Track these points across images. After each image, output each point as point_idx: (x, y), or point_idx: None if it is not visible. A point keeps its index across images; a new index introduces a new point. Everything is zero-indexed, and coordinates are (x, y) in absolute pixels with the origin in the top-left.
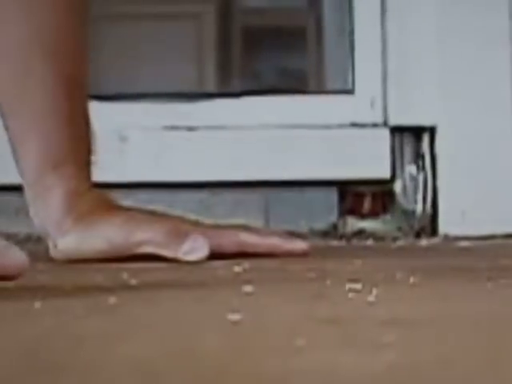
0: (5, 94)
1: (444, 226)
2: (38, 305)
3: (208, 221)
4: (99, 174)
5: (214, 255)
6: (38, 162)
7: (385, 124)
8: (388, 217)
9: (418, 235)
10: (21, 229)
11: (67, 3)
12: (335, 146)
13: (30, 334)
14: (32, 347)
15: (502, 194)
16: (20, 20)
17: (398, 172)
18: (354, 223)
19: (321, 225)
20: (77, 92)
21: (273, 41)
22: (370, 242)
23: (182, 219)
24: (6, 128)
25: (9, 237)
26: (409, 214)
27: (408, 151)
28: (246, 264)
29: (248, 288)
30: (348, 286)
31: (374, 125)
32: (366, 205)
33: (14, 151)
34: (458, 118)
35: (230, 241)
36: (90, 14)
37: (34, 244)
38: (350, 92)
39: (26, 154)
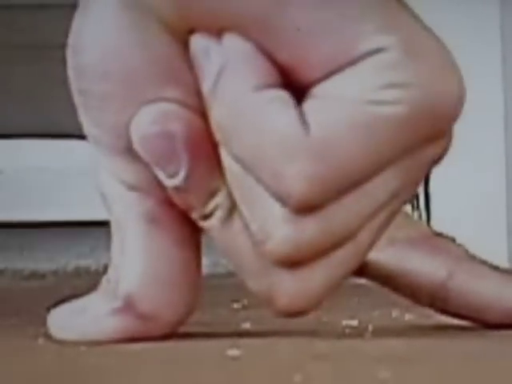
0: None
1: None
2: (41, 341)
3: None
4: None
5: None
6: None
7: None
8: None
9: None
10: (25, 265)
11: None
12: None
13: (33, 369)
14: (34, 381)
15: (496, 235)
16: None
17: None
18: None
19: None
20: None
21: None
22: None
23: None
24: None
25: (14, 273)
26: None
27: None
28: (245, 301)
29: (246, 325)
30: (344, 322)
31: None
32: None
33: None
34: (452, 161)
35: None
36: None
37: (39, 280)
38: None
39: None
